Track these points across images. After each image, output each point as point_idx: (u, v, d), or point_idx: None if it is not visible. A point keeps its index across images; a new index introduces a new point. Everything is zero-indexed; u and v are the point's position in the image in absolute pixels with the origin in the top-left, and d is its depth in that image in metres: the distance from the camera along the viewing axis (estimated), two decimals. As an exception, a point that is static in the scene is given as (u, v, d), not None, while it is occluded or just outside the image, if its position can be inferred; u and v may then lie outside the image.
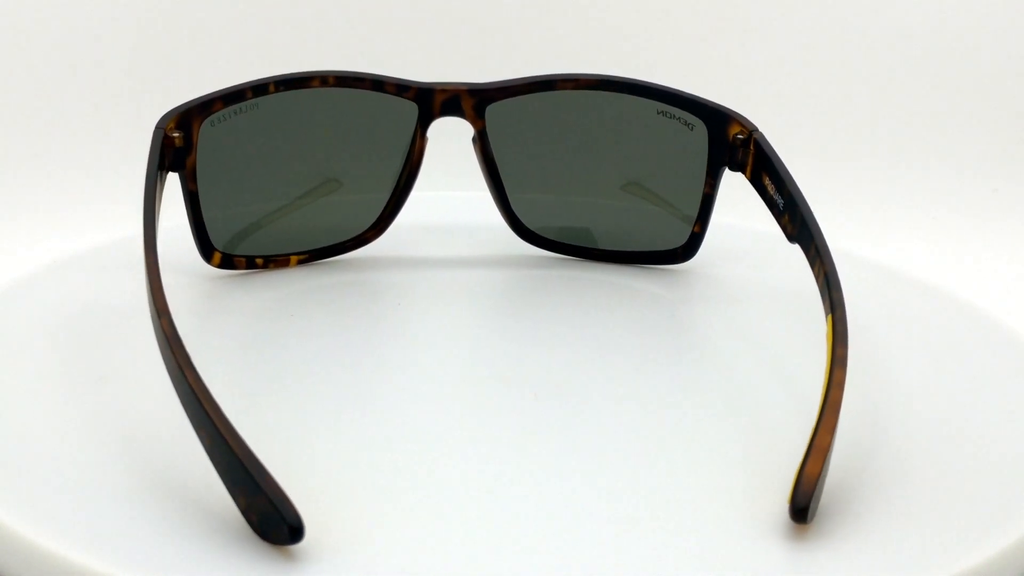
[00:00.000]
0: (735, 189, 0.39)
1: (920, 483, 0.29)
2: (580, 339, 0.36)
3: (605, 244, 0.41)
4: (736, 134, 0.39)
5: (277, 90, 0.39)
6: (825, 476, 0.27)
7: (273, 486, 0.26)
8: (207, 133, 0.38)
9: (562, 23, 0.64)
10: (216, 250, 0.39)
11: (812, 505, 0.26)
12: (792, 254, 0.36)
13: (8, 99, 0.61)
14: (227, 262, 0.39)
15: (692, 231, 0.40)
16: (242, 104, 0.38)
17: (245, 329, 0.36)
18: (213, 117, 0.38)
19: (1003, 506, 0.28)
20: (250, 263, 0.40)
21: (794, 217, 0.35)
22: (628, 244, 0.41)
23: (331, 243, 0.41)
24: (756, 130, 0.38)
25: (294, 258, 0.40)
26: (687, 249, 0.41)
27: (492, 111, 0.40)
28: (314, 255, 0.41)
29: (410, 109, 0.39)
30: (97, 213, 0.56)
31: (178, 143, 0.37)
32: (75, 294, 0.37)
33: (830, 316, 0.31)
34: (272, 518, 0.25)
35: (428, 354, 0.35)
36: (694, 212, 0.40)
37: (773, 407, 0.32)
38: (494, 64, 0.63)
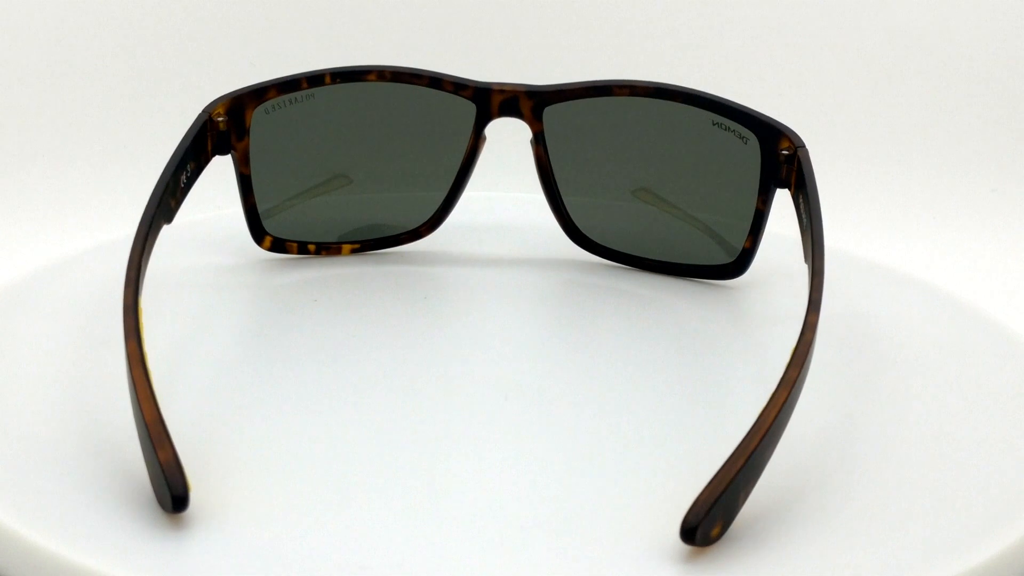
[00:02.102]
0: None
1: (920, 483, 0.29)
2: (580, 345, 0.36)
3: (656, 254, 0.41)
4: (783, 149, 0.37)
5: (333, 82, 0.39)
6: (733, 495, 0.26)
7: (168, 454, 0.26)
8: (260, 119, 0.39)
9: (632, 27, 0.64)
10: (267, 234, 0.40)
11: (703, 527, 0.26)
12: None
13: (9, 99, 0.62)
14: (278, 246, 0.41)
15: (743, 247, 0.39)
16: (298, 93, 0.39)
17: (260, 309, 0.37)
18: (267, 104, 0.39)
19: (1003, 506, 0.28)
20: (302, 248, 0.41)
21: (810, 241, 0.34)
22: (678, 256, 0.40)
23: (384, 235, 0.41)
24: (802, 147, 0.37)
25: (346, 247, 0.41)
26: (738, 265, 0.39)
27: (549, 113, 0.40)
28: (366, 246, 0.41)
29: (467, 108, 0.40)
30: (99, 213, 0.58)
31: (222, 127, 0.38)
32: (76, 294, 0.37)
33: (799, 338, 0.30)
34: (162, 485, 0.26)
35: (421, 350, 0.35)
36: (746, 227, 0.39)
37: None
38: (548, 66, 0.63)
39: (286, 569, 0.25)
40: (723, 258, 0.40)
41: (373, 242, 0.41)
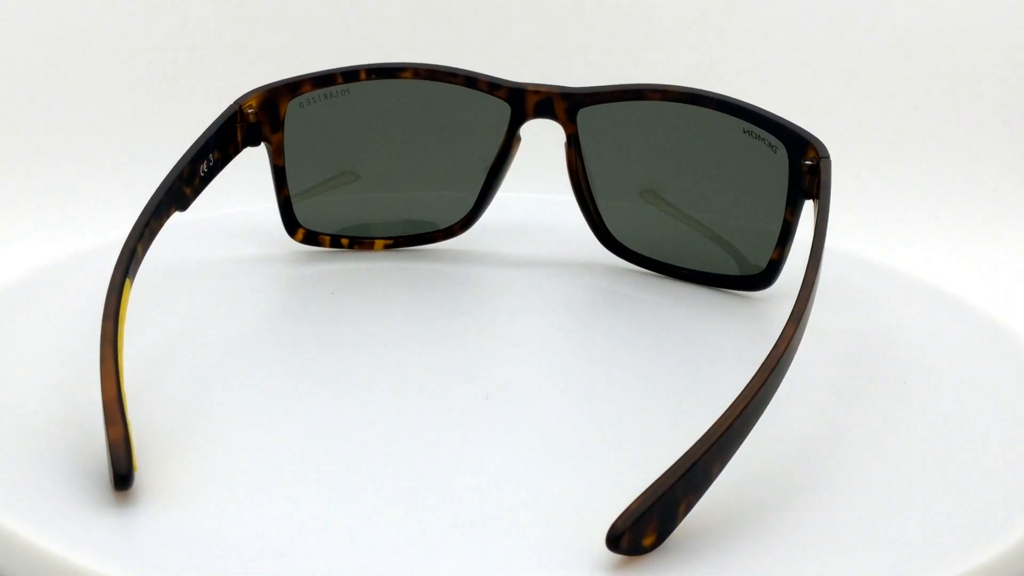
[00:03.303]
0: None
1: (920, 484, 0.29)
2: (580, 350, 0.36)
3: (683, 262, 0.40)
4: (808, 159, 0.36)
5: (368, 78, 0.40)
6: (669, 505, 0.26)
7: (117, 433, 0.27)
8: (295, 113, 0.39)
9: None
10: (300, 226, 0.41)
11: (631, 535, 0.25)
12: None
13: (9, 99, 0.63)
14: (311, 239, 0.41)
15: (771, 258, 0.38)
16: (332, 88, 0.40)
17: (274, 297, 0.38)
18: (302, 98, 0.39)
19: (1003, 506, 0.28)
20: (335, 242, 0.41)
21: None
22: (705, 265, 0.40)
23: (418, 232, 0.42)
24: (825, 157, 0.36)
25: (379, 242, 0.42)
26: (765, 277, 0.39)
27: (583, 116, 0.39)
28: (400, 242, 0.42)
29: (501, 108, 0.40)
30: (100, 213, 0.59)
31: (252, 119, 0.39)
32: (77, 293, 0.37)
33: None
34: (111, 461, 0.27)
35: (418, 346, 0.35)
36: (774, 238, 0.38)
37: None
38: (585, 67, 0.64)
39: (203, 550, 0.25)
40: (751, 268, 0.39)
41: (406, 238, 0.42)
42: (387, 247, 0.42)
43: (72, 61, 0.64)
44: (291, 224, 0.41)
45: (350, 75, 0.40)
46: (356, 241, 0.41)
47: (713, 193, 0.39)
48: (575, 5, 0.65)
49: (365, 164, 0.41)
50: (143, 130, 0.63)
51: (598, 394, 0.33)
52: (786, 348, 0.29)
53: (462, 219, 0.41)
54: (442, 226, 0.41)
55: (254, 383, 0.32)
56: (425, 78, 0.40)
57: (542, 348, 0.36)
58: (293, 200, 0.40)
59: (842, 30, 0.65)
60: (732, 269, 0.39)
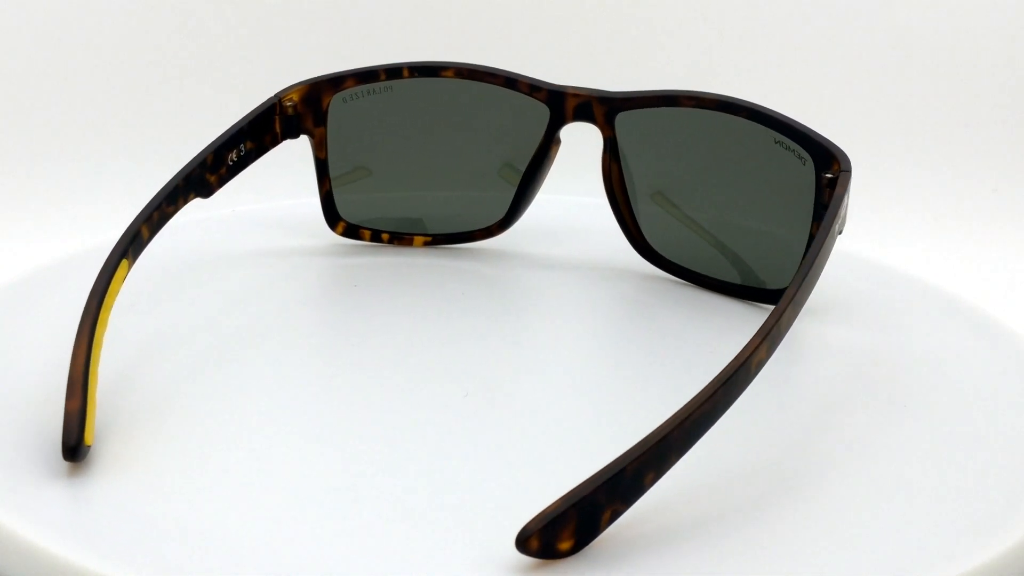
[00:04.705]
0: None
1: (920, 484, 0.29)
2: (581, 352, 0.35)
3: (712, 272, 0.39)
4: (829, 172, 0.36)
5: (411, 75, 0.40)
6: (589, 512, 0.25)
7: (74, 405, 0.28)
8: (338, 107, 0.40)
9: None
10: (341, 219, 0.42)
11: (543, 539, 0.25)
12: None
13: (10, 99, 0.64)
14: (351, 232, 0.42)
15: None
16: (375, 85, 0.40)
17: (295, 286, 0.39)
18: (345, 93, 0.40)
19: (1003, 506, 0.28)
20: (375, 237, 0.42)
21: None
22: (734, 276, 0.39)
23: (456, 231, 0.42)
24: (845, 171, 0.35)
25: (419, 239, 0.42)
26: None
27: (621, 120, 0.39)
28: (438, 239, 0.42)
29: (540, 110, 0.40)
30: (101, 214, 0.59)
31: (290, 112, 0.40)
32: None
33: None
34: (63, 432, 0.28)
35: (418, 344, 0.35)
36: (800, 252, 0.37)
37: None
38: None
39: (139, 526, 0.26)
40: (779, 281, 0.38)
41: (445, 236, 0.42)
42: (426, 244, 0.42)
43: (72, 61, 0.65)
44: (332, 217, 0.42)
45: (393, 72, 0.40)
46: (396, 236, 0.42)
47: (743, 203, 0.39)
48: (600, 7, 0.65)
49: (410, 161, 0.41)
50: (144, 130, 0.64)
51: (600, 397, 0.33)
52: (741, 364, 0.28)
53: (500, 220, 0.41)
54: (481, 226, 0.42)
55: (246, 370, 0.33)
56: (466, 78, 0.40)
57: (543, 349, 0.36)
58: (335, 193, 0.41)
59: (843, 30, 0.65)
60: (760, 281, 0.39)
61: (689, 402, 0.27)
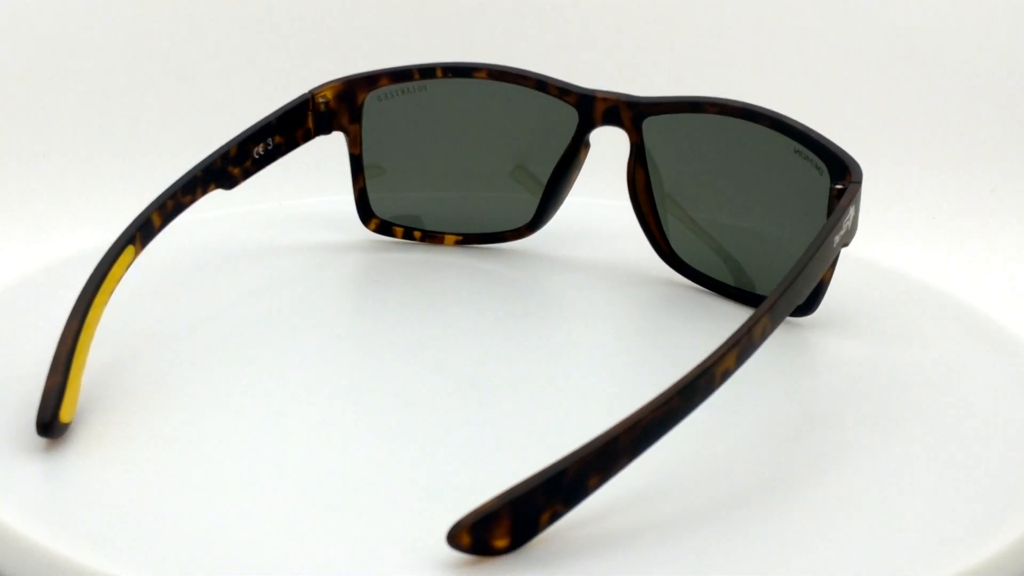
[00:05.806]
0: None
1: (919, 484, 0.29)
2: (581, 355, 0.36)
3: (731, 280, 0.39)
4: (840, 183, 0.35)
5: (444, 75, 0.41)
6: (525, 511, 0.25)
7: (54, 382, 0.29)
8: (372, 105, 0.41)
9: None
10: (374, 216, 0.42)
11: (475, 533, 0.25)
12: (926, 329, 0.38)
13: (10, 99, 0.64)
14: (384, 229, 0.42)
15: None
16: (409, 84, 0.41)
17: (315, 280, 0.40)
18: (380, 92, 0.41)
19: (1003, 506, 0.28)
20: (407, 234, 0.43)
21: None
22: (752, 285, 0.39)
23: (487, 231, 0.42)
24: (855, 183, 0.35)
25: (450, 237, 0.42)
26: (806, 304, 0.37)
27: (648, 125, 0.39)
28: (469, 239, 0.42)
29: (569, 113, 0.40)
30: (101, 213, 0.59)
31: (322, 108, 0.40)
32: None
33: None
34: (38, 408, 0.29)
35: (417, 342, 0.36)
36: (816, 264, 0.37)
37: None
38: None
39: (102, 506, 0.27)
40: (795, 293, 0.38)
41: (476, 236, 0.42)
42: (457, 243, 0.43)
43: (72, 61, 0.66)
44: (366, 213, 0.42)
45: (426, 72, 0.41)
46: (428, 235, 0.43)
47: (762, 212, 0.38)
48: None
49: (443, 161, 0.42)
50: (145, 130, 0.65)
51: (601, 401, 0.33)
52: (703, 372, 0.28)
53: (529, 221, 0.42)
54: (511, 227, 0.42)
55: (239, 360, 0.34)
56: (498, 79, 0.41)
57: (544, 350, 0.36)
58: (368, 190, 0.42)
59: (843, 30, 0.65)
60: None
61: (642, 407, 0.27)
